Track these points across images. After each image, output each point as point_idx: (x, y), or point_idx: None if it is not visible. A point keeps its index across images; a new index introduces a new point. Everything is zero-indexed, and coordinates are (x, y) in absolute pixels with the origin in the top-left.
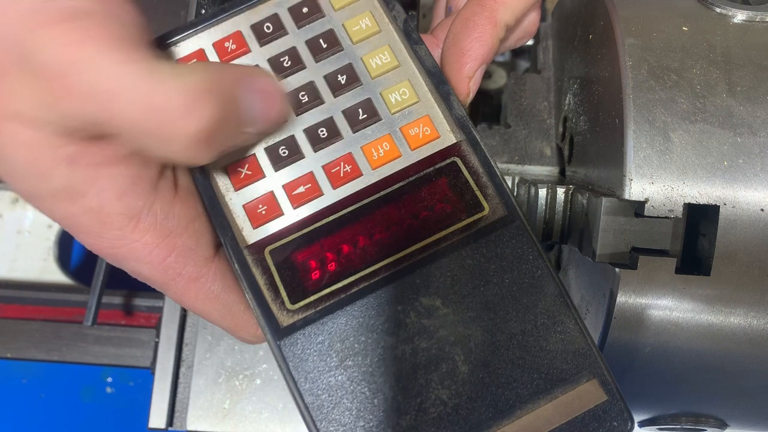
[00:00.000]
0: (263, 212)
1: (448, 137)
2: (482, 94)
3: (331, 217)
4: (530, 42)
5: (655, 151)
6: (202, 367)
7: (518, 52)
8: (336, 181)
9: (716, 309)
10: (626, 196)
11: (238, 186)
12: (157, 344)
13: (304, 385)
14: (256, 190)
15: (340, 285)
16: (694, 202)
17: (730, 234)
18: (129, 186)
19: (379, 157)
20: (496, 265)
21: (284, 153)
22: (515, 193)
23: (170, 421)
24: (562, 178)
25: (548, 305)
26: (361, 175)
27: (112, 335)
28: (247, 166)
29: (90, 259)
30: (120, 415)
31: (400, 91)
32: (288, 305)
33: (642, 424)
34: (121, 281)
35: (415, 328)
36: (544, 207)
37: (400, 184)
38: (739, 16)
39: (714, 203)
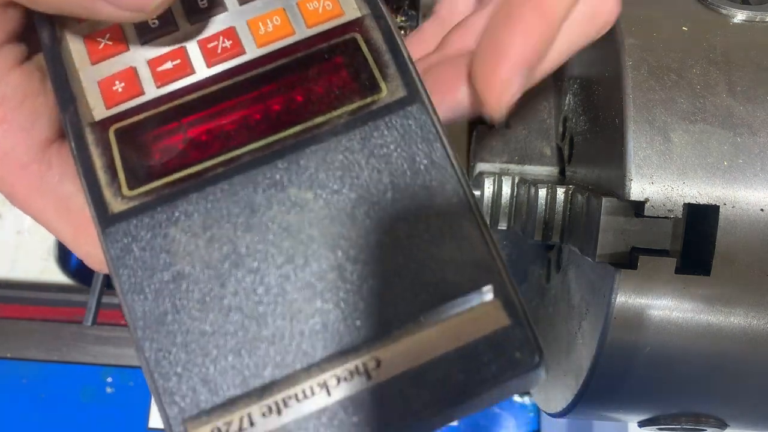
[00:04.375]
0: (120, 90)
1: (353, 14)
2: None
3: (195, 95)
4: None
5: (655, 151)
6: None
7: None
8: (211, 59)
9: (716, 309)
10: (626, 196)
11: (96, 59)
12: None
13: (127, 282)
14: (115, 65)
15: (192, 170)
16: (694, 202)
17: (730, 234)
18: None
19: (266, 33)
20: (385, 153)
21: (154, 24)
22: (515, 193)
23: None
24: (562, 178)
25: (445, 204)
26: (244, 53)
27: (112, 335)
28: (108, 35)
29: None
30: (120, 415)
31: None
32: (124, 191)
33: (642, 424)
34: None
35: (278, 224)
36: (544, 207)
37: (285, 60)
38: (739, 16)
39: (714, 203)
